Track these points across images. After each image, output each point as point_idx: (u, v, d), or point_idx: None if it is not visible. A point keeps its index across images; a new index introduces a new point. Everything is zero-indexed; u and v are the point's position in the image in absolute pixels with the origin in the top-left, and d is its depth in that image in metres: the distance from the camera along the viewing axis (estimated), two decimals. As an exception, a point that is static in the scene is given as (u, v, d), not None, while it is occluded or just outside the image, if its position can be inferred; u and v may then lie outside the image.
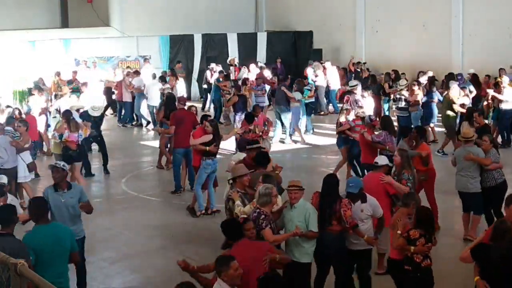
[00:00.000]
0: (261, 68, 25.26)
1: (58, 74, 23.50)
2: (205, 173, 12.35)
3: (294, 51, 30.06)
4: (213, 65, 25.34)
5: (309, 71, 24.65)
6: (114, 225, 12.47)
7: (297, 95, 18.99)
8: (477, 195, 10.71)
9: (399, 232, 7.67)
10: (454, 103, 17.07)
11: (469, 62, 22.75)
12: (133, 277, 9.99)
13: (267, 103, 21.40)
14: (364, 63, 26.82)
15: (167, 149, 16.26)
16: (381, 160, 9.93)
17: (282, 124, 19.00)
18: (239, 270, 6.29)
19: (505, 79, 18.61)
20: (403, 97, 18.22)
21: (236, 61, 27.00)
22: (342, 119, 14.45)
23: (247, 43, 29.49)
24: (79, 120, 14.74)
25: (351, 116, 14.44)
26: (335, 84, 24.13)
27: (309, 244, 7.94)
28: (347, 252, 8.31)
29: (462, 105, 17.01)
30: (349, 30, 28.60)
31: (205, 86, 25.45)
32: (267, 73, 24.42)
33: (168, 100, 16.28)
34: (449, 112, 17.07)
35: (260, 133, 14.60)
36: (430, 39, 24.88)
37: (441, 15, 24.62)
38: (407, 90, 18.62)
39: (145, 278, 9.91)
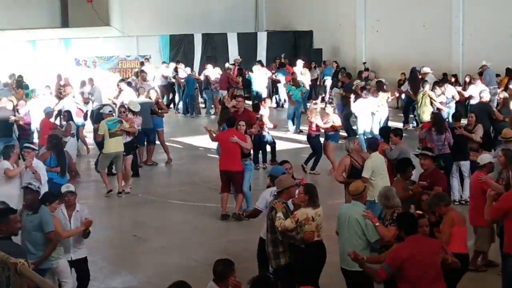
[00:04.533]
0: (227, 69, 25.07)
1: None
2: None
3: (294, 51, 30.03)
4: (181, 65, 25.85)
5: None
6: (114, 225, 12.47)
7: None
8: None
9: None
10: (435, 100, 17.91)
11: (469, 62, 22.74)
12: (133, 277, 9.99)
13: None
14: (364, 62, 26.83)
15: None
16: (483, 159, 9.93)
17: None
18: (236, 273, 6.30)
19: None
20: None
21: (239, 61, 26.93)
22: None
23: (247, 43, 29.48)
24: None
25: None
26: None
27: None
28: None
29: (441, 103, 17.95)
30: (349, 30, 28.57)
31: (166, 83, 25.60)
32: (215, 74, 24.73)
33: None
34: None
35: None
36: (430, 39, 24.85)
37: (441, 15, 24.60)
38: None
39: (145, 278, 9.91)
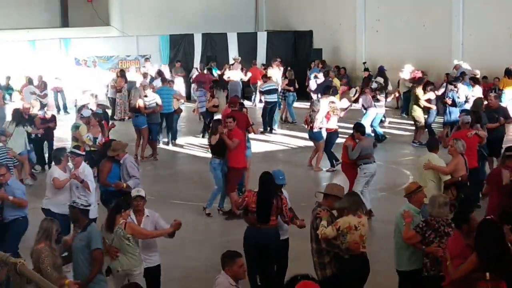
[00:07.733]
0: (201, 70, 24.82)
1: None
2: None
3: (294, 51, 30.04)
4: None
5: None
6: (114, 225, 12.45)
7: None
8: None
9: None
10: (420, 99, 18.32)
11: (469, 62, 22.71)
12: (133, 276, 9.95)
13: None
14: (364, 62, 26.81)
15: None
16: None
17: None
18: (243, 267, 6.36)
19: None
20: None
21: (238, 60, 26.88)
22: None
23: (247, 43, 29.46)
24: None
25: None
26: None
27: None
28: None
29: (428, 100, 18.31)
30: (349, 30, 28.56)
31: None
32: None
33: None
34: (416, 107, 18.41)
35: None
36: (430, 39, 24.85)
37: (441, 15, 24.58)
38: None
39: (145, 278, 9.88)
